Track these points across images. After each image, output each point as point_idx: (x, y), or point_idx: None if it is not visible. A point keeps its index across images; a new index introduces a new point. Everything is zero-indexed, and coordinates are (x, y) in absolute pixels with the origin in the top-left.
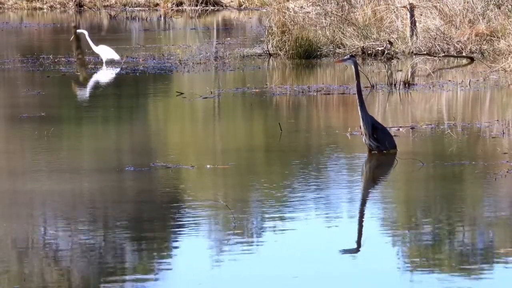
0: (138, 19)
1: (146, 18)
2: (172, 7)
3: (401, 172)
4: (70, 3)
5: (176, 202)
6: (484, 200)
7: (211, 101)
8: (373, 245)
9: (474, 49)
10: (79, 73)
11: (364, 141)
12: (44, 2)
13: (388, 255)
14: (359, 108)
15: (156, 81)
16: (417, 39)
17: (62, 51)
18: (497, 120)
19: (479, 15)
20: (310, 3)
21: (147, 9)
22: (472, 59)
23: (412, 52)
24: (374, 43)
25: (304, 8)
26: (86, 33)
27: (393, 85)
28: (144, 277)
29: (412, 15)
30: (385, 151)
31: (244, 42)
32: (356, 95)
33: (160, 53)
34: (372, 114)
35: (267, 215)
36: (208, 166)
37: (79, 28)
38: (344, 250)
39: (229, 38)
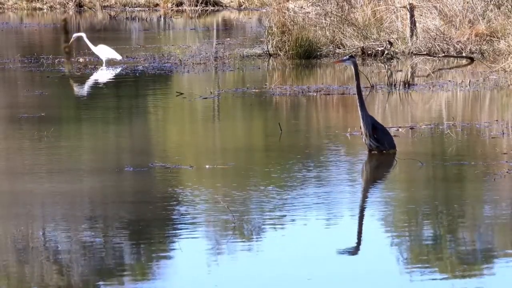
0: (138, 19)
1: (146, 18)
2: (172, 7)
3: (401, 172)
4: (70, 3)
5: (175, 202)
6: (484, 200)
7: (211, 101)
8: (373, 245)
9: (474, 49)
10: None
11: (364, 141)
12: (44, 2)
13: (387, 255)
14: (359, 108)
15: (156, 81)
16: (417, 39)
17: (62, 51)
18: (497, 120)
19: (479, 15)
20: (310, 3)
21: (147, 9)
22: (472, 60)
23: (412, 52)
24: (374, 43)
25: (304, 8)
26: (84, 35)
27: (393, 85)
28: (144, 277)
29: (412, 15)
30: (385, 151)
31: (244, 43)
32: (356, 95)
33: (160, 53)
34: (372, 114)
35: (266, 215)
36: (208, 166)
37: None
38: (344, 250)
39: (229, 38)
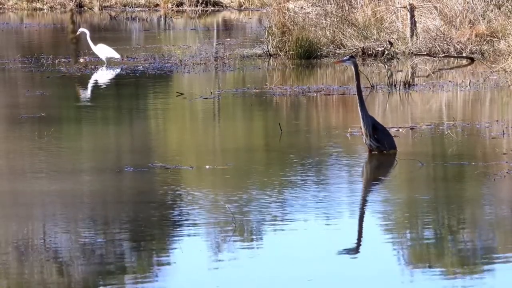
0: (138, 19)
1: (146, 18)
2: (172, 7)
3: (401, 172)
4: (70, 3)
5: (176, 202)
6: (484, 201)
7: (211, 101)
8: (373, 245)
9: (474, 49)
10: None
11: (364, 141)
12: (44, 2)
13: (388, 255)
14: (359, 108)
15: (156, 82)
16: (417, 39)
17: (62, 52)
18: (497, 121)
19: (479, 15)
20: (310, 4)
21: (147, 9)
22: (472, 60)
23: (412, 52)
24: (374, 44)
25: (304, 8)
26: (87, 32)
27: (393, 86)
28: (144, 278)
29: (412, 16)
30: (385, 152)
31: (244, 43)
32: (356, 95)
33: (160, 54)
34: (372, 114)
35: (267, 216)
36: (208, 166)
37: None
38: (344, 250)
39: (229, 39)
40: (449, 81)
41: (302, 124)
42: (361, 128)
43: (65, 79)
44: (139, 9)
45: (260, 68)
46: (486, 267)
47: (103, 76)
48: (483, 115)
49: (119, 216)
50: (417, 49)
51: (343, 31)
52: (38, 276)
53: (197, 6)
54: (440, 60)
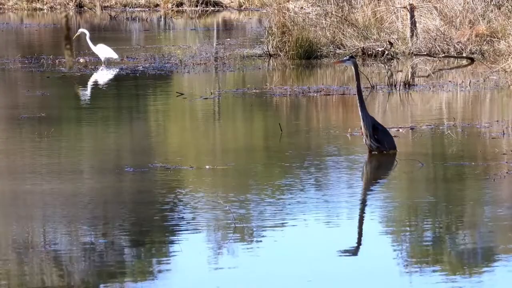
0: (138, 19)
1: (146, 18)
2: (172, 7)
3: (401, 172)
4: (70, 3)
5: (176, 203)
6: (484, 201)
7: (211, 101)
8: (373, 246)
9: (474, 49)
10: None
11: (364, 141)
12: (44, 2)
13: (388, 255)
14: (359, 108)
15: (156, 82)
16: (417, 39)
17: (62, 52)
18: (497, 121)
19: (479, 15)
20: (310, 4)
21: (147, 9)
22: (472, 60)
23: (412, 52)
24: (374, 44)
25: (304, 8)
26: (87, 33)
27: (393, 86)
28: (144, 278)
29: (412, 16)
30: (385, 152)
31: (244, 43)
32: (356, 95)
33: (160, 54)
34: (372, 114)
35: (267, 216)
36: (208, 166)
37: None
38: (344, 250)
39: (229, 39)
40: (449, 81)
41: (302, 125)
42: (361, 129)
43: (65, 79)
44: (139, 9)
45: (260, 68)
46: (486, 267)
47: (103, 76)
48: (483, 115)
49: (119, 216)
50: (417, 49)
51: (343, 31)
52: (38, 276)
53: (197, 6)
54: (440, 60)
